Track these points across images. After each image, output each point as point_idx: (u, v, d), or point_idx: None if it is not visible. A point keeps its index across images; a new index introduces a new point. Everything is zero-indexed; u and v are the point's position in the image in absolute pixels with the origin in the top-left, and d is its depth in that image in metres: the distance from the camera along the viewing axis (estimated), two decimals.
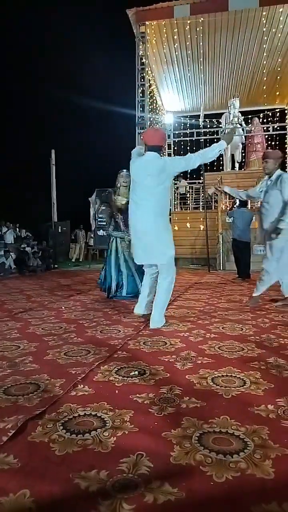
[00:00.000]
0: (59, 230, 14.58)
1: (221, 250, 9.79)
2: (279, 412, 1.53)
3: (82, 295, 5.20)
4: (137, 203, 3.05)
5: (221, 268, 9.62)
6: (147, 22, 10.18)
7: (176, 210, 13.63)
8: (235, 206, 7.69)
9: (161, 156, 3.13)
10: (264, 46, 10.48)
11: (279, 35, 10.11)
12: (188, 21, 9.93)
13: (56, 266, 11.38)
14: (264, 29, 9.90)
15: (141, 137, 3.24)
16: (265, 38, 10.20)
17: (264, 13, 9.44)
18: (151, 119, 11.58)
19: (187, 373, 1.99)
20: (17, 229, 12.54)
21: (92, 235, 12.03)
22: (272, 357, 2.26)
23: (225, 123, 13.29)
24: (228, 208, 10.35)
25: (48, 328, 3.09)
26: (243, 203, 7.54)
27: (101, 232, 9.85)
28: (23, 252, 9.96)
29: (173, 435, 1.35)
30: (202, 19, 9.78)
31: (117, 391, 1.75)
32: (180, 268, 11.26)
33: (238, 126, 12.74)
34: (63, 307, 4.15)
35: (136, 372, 1.99)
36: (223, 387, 1.80)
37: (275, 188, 3.73)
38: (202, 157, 3.09)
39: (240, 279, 6.97)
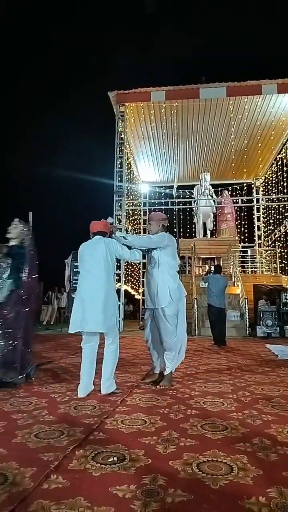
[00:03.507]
0: None
1: (196, 315, 9.79)
2: (271, 505, 1.42)
3: (53, 363, 4.93)
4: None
5: (196, 334, 9.52)
6: (126, 103, 11.15)
7: None
8: (210, 272, 7.87)
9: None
10: (232, 129, 11.64)
11: (245, 120, 11.30)
12: (164, 105, 10.98)
13: None
14: (231, 115, 11.06)
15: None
16: (232, 122, 11.37)
17: (231, 102, 10.61)
18: (128, 188, 12.15)
19: (170, 458, 1.84)
20: None
21: (66, 297, 11.84)
22: (257, 437, 2.15)
23: (197, 194, 14.14)
24: (203, 273, 10.58)
25: (16, 404, 2.85)
26: (218, 270, 7.74)
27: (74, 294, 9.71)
28: None
29: None
30: (176, 103, 10.85)
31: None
32: None
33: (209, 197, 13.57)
34: (33, 378, 3.89)
35: (115, 458, 1.82)
36: (209, 475, 1.67)
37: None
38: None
39: (216, 346, 6.90)
